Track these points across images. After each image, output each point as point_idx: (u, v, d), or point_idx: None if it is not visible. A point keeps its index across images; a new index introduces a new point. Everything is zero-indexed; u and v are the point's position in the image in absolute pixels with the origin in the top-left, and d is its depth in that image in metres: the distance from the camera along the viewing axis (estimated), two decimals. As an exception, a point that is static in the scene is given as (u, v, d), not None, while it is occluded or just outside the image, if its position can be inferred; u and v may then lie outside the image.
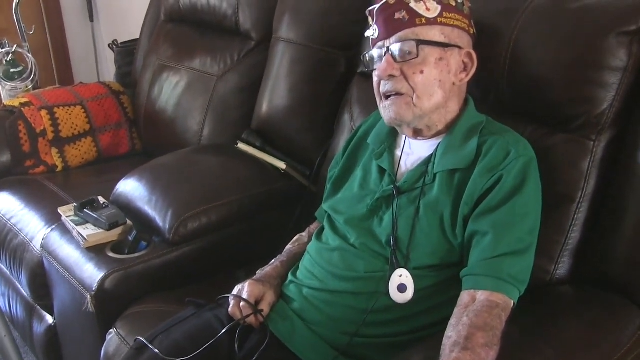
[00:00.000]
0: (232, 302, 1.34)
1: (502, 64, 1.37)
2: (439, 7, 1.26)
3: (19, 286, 2.03)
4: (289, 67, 1.92)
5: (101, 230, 1.68)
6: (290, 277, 1.39)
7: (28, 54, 2.90)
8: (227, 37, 2.24)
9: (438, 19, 1.26)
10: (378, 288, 1.24)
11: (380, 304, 1.24)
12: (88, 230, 1.69)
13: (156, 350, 1.29)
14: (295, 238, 1.54)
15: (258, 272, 1.44)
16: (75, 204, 1.78)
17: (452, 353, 1.04)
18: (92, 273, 1.61)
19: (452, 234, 1.23)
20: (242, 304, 1.32)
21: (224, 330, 1.28)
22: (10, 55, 2.85)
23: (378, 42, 1.30)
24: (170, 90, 2.36)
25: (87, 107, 2.50)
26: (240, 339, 1.30)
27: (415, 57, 1.24)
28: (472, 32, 1.32)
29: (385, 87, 1.29)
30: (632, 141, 1.29)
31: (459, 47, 1.28)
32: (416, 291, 1.23)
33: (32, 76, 2.89)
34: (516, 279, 1.16)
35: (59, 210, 1.81)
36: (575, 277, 1.34)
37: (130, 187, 1.83)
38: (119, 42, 2.99)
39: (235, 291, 1.37)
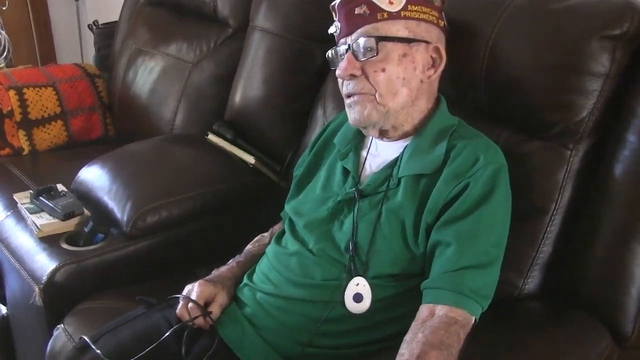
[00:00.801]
0: (181, 302, 1.27)
1: (479, 64, 1.30)
2: (404, 0, 1.19)
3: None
4: (264, 58, 1.85)
5: (56, 220, 1.61)
6: (245, 279, 1.32)
7: (1, 31, 2.81)
8: (204, 23, 2.16)
9: (402, 12, 1.18)
10: (333, 297, 1.17)
11: (335, 313, 1.17)
12: (42, 220, 1.61)
13: (98, 352, 1.21)
14: (256, 238, 1.47)
15: (214, 271, 1.37)
16: (31, 190, 1.69)
17: None
18: (42, 264, 1.53)
19: (414, 243, 1.16)
20: (190, 305, 1.25)
21: (168, 333, 1.21)
22: (-18, 31, 2.77)
23: (340, 38, 1.23)
24: (145, 75, 2.28)
25: (59, 89, 2.40)
26: (188, 342, 1.23)
27: (375, 55, 1.17)
28: (442, 24, 1.25)
29: (347, 87, 1.22)
30: (611, 152, 1.23)
31: (426, 42, 1.21)
32: (374, 301, 1.16)
33: (4, 53, 2.81)
34: (478, 293, 1.09)
35: (14, 197, 1.73)
36: (545, 292, 1.27)
37: (92, 175, 1.75)
38: (99, 23, 2.90)
39: (185, 291, 1.29)
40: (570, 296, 1.25)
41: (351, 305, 1.15)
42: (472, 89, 1.33)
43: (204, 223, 1.67)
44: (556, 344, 1.16)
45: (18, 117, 2.30)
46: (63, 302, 1.50)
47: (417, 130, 1.24)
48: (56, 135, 2.37)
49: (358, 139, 1.32)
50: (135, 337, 1.25)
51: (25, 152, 2.31)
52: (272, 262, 1.29)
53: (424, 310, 1.09)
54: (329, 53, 1.26)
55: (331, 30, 1.26)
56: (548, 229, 1.25)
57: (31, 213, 1.64)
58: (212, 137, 1.90)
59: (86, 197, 1.72)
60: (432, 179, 1.17)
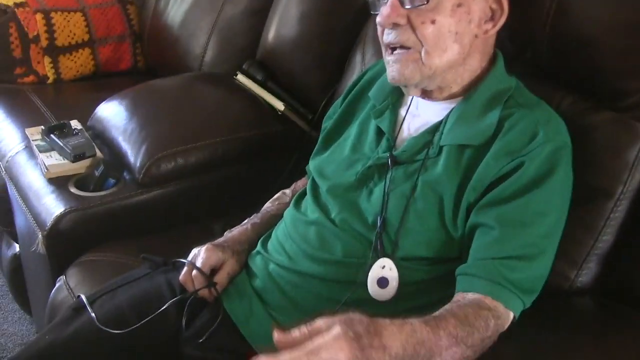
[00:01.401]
0: (185, 268, 1.14)
1: (544, 16, 1.09)
2: None
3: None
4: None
5: (65, 161, 1.49)
6: (259, 246, 1.18)
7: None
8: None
9: None
10: (355, 277, 1.03)
11: (355, 296, 1.02)
12: (51, 159, 1.49)
13: (93, 315, 1.11)
14: (276, 195, 1.33)
15: (226, 233, 1.24)
16: (43, 126, 1.57)
17: (412, 319, 0.84)
18: (48, 209, 1.42)
19: (452, 223, 0.99)
20: (194, 272, 1.12)
21: (168, 304, 1.09)
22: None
23: None
24: (176, 4, 2.11)
25: (89, 14, 2.26)
26: (189, 313, 1.11)
27: (425, 3, 0.97)
28: None
29: (388, 37, 1.03)
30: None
31: None
32: (401, 287, 1.01)
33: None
34: (519, 287, 0.93)
35: (26, 132, 1.62)
36: (599, 287, 1.10)
37: (109, 113, 1.63)
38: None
39: (191, 255, 1.17)
40: (628, 295, 1.08)
41: (374, 290, 1.01)
42: (533, 44, 1.13)
43: (224, 173, 1.54)
44: (609, 350, 0.99)
45: (44, 43, 2.17)
46: (67, 251, 1.39)
47: (467, 92, 1.06)
48: (83, 64, 2.24)
49: (397, 95, 1.14)
50: (133, 303, 1.14)
51: (50, 80, 2.19)
52: (289, 230, 1.14)
53: (457, 298, 0.94)
54: None
55: None
56: (611, 216, 1.07)
57: (41, 151, 1.52)
58: (241, 77, 1.74)
59: (101, 137, 1.60)
60: (479, 151, 1.00)
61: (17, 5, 2.19)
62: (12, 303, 1.96)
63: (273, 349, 1.03)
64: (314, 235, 1.09)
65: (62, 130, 1.54)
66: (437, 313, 0.87)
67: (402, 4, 1.00)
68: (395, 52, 1.03)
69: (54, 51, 2.18)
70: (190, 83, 1.77)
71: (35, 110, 1.94)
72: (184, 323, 1.10)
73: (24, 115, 1.89)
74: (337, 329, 0.75)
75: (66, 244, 1.39)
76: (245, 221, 1.26)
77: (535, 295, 0.96)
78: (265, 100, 1.66)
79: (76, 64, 2.23)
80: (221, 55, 1.93)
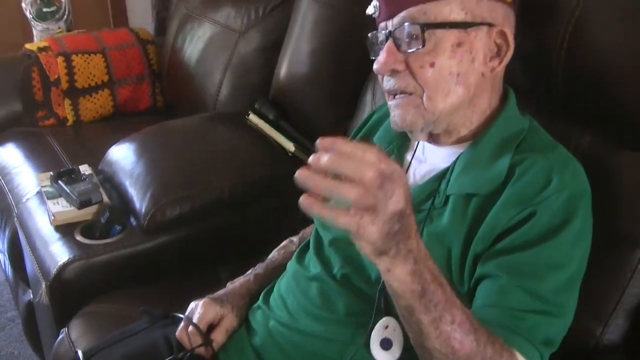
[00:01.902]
0: (182, 323, 1.09)
1: (558, 44, 1.01)
2: None
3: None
4: (311, 29, 1.61)
5: (72, 208, 1.46)
6: (260, 299, 1.11)
7: (62, -5, 2.69)
8: (255, -12, 1.93)
9: None
10: (356, 337, 0.95)
11: (357, 357, 0.94)
12: (58, 207, 1.46)
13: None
14: (283, 243, 1.26)
15: (228, 284, 1.18)
16: (52, 172, 1.55)
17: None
18: (53, 258, 1.39)
19: (459, 279, 0.91)
20: (191, 328, 1.07)
21: None
22: (44, -7, 2.66)
23: (380, 22, 0.98)
24: (192, 43, 2.10)
25: (109, 56, 2.26)
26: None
27: (422, 46, 0.91)
28: (510, 0, 0.96)
29: (388, 84, 0.97)
30: None
31: (489, 25, 0.93)
32: (405, 349, 0.92)
33: (64, 17, 2.68)
34: (534, 336, 0.84)
35: (37, 178, 1.60)
36: (629, 345, 0.99)
37: (118, 156, 1.60)
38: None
39: (189, 309, 1.11)
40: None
41: (377, 353, 0.93)
42: (547, 76, 1.05)
43: (231, 216, 1.48)
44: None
45: (65, 86, 2.18)
46: (71, 302, 1.35)
47: (476, 136, 0.98)
48: (102, 105, 2.24)
49: (402, 138, 1.07)
50: (129, 360, 1.08)
51: (70, 122, 2.19)
52: (290, 284, 1.07)
53: None
54: (369, 37, 1.01)
55: (369, 11, 1.00)
56: (639, 266, 0.97)
57: (49, 198, 1.50)
58: (252, 117, 1.69)
59: (110, 181, 1.57)
60: (488, 200, 0.91)
61: (40, 50, 2.21)
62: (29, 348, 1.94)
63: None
64: (316, 291, 1.02)
65: (71, 176, 1.52)
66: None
67: (398, 47, 0.93)
68: (397, 97, 0.97)
69: (74, 93, 2.19)
70: (200, 124, 1.73)
71: (52, 154, 1.93)
72: None
73: (41, 160, 1.88)
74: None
75: (70, 294, 1.35)
76: (249, 271, 1.20)
77: (553, 348, 0.87)
78: (276, 141, 1.61)
79: (95, 105, 2.22)
80: (235, 93, 1.90)
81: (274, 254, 1.24)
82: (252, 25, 1.88)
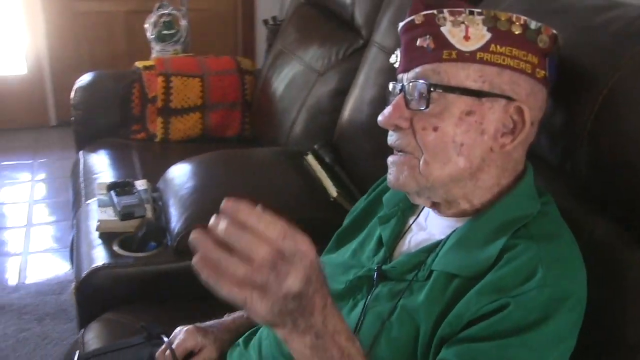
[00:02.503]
0: (163, 345, 1.10)
1: (582, 124, 0.93)
2: (487, 36, 0.86)
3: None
4: (374, 77, 1.60)
5: (115, 218, 1.53)
6: (241, 339, 1.10)
7: (182, 18, 2.88)
8: (342, 30, 1.96)
9: (478, 53, 0.86)
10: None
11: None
12: (104, 215, 1.55)
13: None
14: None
15: (226, 315, 1.18)
16: (108, 182, 1.65)
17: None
18: (87, 261, 1.47)
19: (423, 359, 0.85)
20: (167, 353, 1.08)
21: None
22: (169, 17, 2.86)
23: (398, 73, 0.95)
24: (280, 79, 2.16)
25: (207, 81, 2.37)
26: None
27: (425, 107, 0.87)
28: (541, 75, 0.89)
29: (390, 138, 0.93)
30: None
31: (507, 98, 0.87)
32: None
33: (180, 39, 2.87)
34: None
35: (96, 185, 1.70)
36: None
37: (174, 175, 1.67)
38: (277, 19, 2.84)
39: (173, 333, 1.12)
40: None
41: None
42: (572, 157, 0.97)
43: (261, 253, 1.48)
44: None
45: (160, 104, 2.31)
46: (94, 305, 1.42)
47: (478, 213, 0.92)
48: (192, 127, 2.35)
49: (409, 201, 1.02)
50: (113, 372, 1.11)
51: (158, 139, 2.32)
52: (269, 329, 1.06)
53: None
54: (388, 86, 0.99)
55: (391, 59, 0.99)
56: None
57: (100, 206, 1.59)
58: (310, 157, 1.70)
59: (162, 198, 1.63)
60: (469, 283, 0.84)
61: (145, 68, 2.37)
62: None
63: None
64: None
65: (124, 188, 1.60)
66: None
67: (407, 103, 0.90)
68: (396, 154, 0.93)
69: (167, 112, 2.32)
70: (259, 157, 1.77)
71: (130, 165, 2.05)
72: None
73: (119, 169, 2.01)
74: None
75: (95, 298, 1.42)
76: (248, 308, 1.19)
77: None
78: (322, 185, 1.60)
79: (185, 126, 2.34)
80: (306, 131, 1.92)
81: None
82: (331, 67, 1.90)
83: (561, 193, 0.97)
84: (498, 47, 0.86)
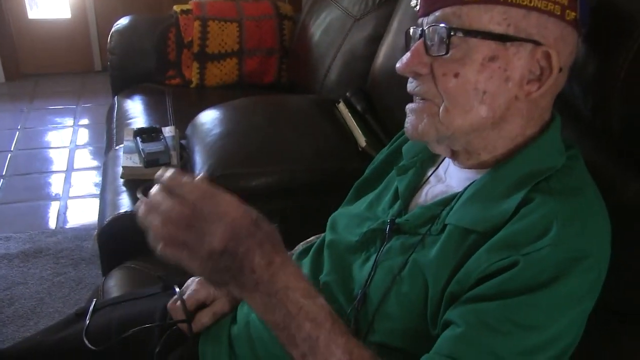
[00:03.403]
0: (175, 296, 1.08)
1: (617, 73, 0.84)
2: None
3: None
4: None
5: (140, 165, 1.51)
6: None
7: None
8: (382, -29, 1.85)
9: None
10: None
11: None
12: (129, 162, 1.52)
13: (85, 324, 1.09)
14: (310, 238, 1.20)
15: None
16: (135, 127, 1.62)
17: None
18: (110, 208, 1.45)
19: (432, 319, 0.80)
20: (178, 303, 1.05)
21: (138, 329, 1.03)
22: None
23: (419, 17, 0.87)
24: (317, 24, 2.07)
25: (244, 25, 2.31)
26: (167, 344, 1.04)
27: (445, 53, 0.79)
28: (572, 17, 0.80)
29: (409, 85, 0.87)
30: None
31: (534, 42, 0.79)
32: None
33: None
34: None
35: (125, 131, 1.67)
36: None
37: (201, 121, 1.62)
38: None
39: (186, 284, 1.10)
40: None
41: None
42: (603, 110, 0.88)
43: (286, 203, 1.44)
44: None
45: (196, 49, 2.27)
46: (116, 253, 1.40)
47: (498, 164, 0.85)
48: (227, 73, 2.30)
49: (429, 152, 0.96)
50: (123, 322, 1.09)
51: (193, 84, 2.28)
52: (284, 281, 1.02)
53: None
54: (408, 31, 0.91)
55: (412, 2, 0.91)
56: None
57: (125, 152, 1.56)
58: (341, 106, 1.63)
59: (189, 145, 1.60)
60: (483, 239, 0.78)
61: (182, 12, 2.32)
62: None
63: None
64: None
65: (151, 134, 1.57)
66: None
67: (427, 49, 0.83)
68: (415, 101, 0.87)
69: (203, 57, 2.27)
70: (291, 105, 1.70)
71: (163, 111, 2.02)
72: (155, 353, 1.03)
73: (151, 115, 1.98)
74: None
75: (115, 246, 1.40)
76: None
77: None
78: (352, 134, 1.54)
79: (221, 72, 2.29)
80: (340, 79, 1.85)
81: (297, 247, 1.19)
82: (367, 12, 1.81)
83: (592, 147, 0.90)
84: None
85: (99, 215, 1.49)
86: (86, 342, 1.05)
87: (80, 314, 1.14)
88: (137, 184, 1.51)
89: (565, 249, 0.73)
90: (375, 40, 1.74)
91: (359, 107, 1.60)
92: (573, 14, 0.80)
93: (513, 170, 0.82)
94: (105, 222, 1.40)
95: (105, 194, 1.52)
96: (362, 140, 1.49)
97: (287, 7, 2.42)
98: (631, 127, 0.83)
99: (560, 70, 0.81)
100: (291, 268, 0.71)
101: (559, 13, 0.79)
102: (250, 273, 0.68)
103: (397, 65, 0.86)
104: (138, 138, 1.56)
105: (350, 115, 1.58)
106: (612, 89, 0.84)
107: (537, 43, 0.79)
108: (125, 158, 1.53)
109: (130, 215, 1.40)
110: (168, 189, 0.68)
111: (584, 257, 0.73)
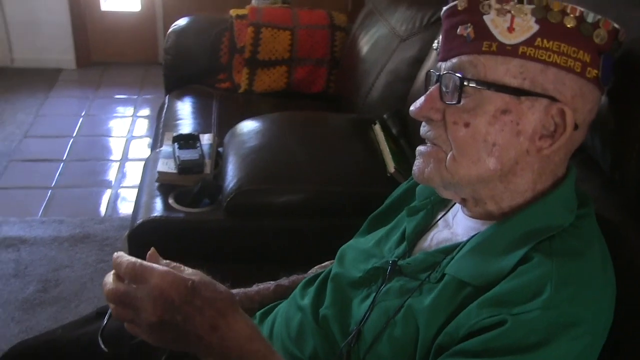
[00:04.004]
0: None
1: (637, 130, 0.83)
2: (534, 28, 0.77)
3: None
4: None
5: (174, 172, 1.56)
6: (258, 313, 1.10)
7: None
8: (433, -7, 1.85)
9: (521, 47, 0.77)
10: (313, 385, 0.90)
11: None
12: (164, 167, 1.58)
13: (103, 324, 1.14)
14: (325, 263, 1.22)
15: (255, 285, 1.18)
16: (174, 134, 1.67)
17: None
18: (142, 211, 1.51)
19: None
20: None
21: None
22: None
23: (438, 62, 0.87)
24: (365, 39, 2.08)
25: (297, 34, 2.34)
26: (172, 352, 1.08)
27: (456, 102, 0.80)
28: (593, 75, 0.79)
29: (422, 129, 0.87)
30: None
31: (551, 99, 0.78)
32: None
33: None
34: None
35: (165, 135, 1.73)
36: None
37: (240, 132, 1.66)
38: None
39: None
40: None
41: None
42: (622, 165, 0.86)
43: (311, 223, 1.46)
44: None
45: (248, 55, 2.31)
46: (143, 256, 1.45)
47: (505, 217, 0.84)
48: (276, 80, 2.33)
49: (440, 196, 0.96)
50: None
51: (242, 90, 2.32)
52: (286, 306, 1.04)
53: None
54: (428, 72, 0.92)
55: (434, 45, 0.92)
56: None
57: (163, 157, 1.62)
58: (376, 127, 1.64)
59: (225, 154, 1.64)
60: (478, 293, 0.79)
61: (238, 16, 2.37)
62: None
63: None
64: (296, 323, 0.98)
65: (188, 141, 1.62)
66: None
67: (441, 96, 0.83)
68: (425, 145, 0.87)
69: (254, 63, 2.31)
70: (328, 123, 1.73)
71: (208, 116, 2.08)
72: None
73: (196, 119, 2.04)
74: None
75: (144, 248, 1.45)
76: (278, 280, 1.19)
77: None
78: (383, 158, 1.55)
79: (270, 79, 2.33)
80: (381, 98, 1.85)
81: (314, 269, 1.21)
82: (413, 34, 1.80)
83: (610, 204, 0.87)
84: (545, 41, 0.77)
85: (132, 216, 1.55)
86: (100, 343, 1.10)
87: (101, 313, 1.20)
88: (171, 189, 1.56)
89: (556, 314, 0.72)
90: (419, 62, 1.74)
91: (394, 131, 1.61)
92: (595, 71, 0.78)
93: (518, 226, 0.81)
94: (137, 224, 1.46)
95: (141, 195, 1.58)
96: (391, 166, 1.49)
97: (342, 17, 2.44)
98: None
99: (577, 127, 0.80)
100: (243, 330, 0.74)
101: (579, 70, 0.78)
102: (196, 339, 0.72)
103: (411, 108, 0.87)
104: (176, 144, 1.61)
105: (384, 138, 1.58)
106: (631, 148, 0.82)
107: (553, 99, 0.78)
108: (162, 163, 1.58)
109: (161, 220, 1.46)
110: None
111: (576, 323, 0.72)
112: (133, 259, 0.75)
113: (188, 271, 0.78)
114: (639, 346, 0.79)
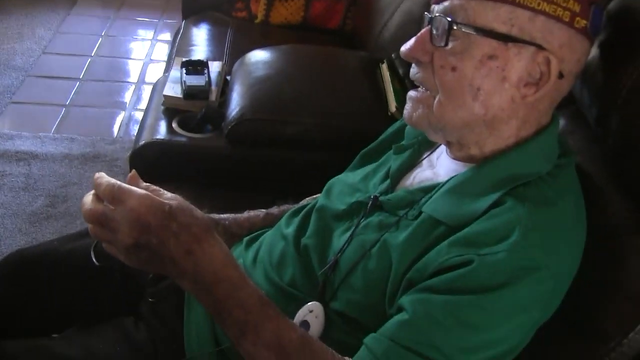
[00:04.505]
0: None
1: (622, 85, 0.82)
2: None
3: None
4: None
5: (180, 96, 1.57)
6: (245, 239, 1.13)
7: None
8: None
9: None
10: (288, 310, 0.93)
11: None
12: (170, 91, 1.59)
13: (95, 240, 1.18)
14: (318, 195, 1.24)
15: (245, 212, 1.21)
16: (183, 58, 1.67)
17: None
18: (147, 132, 1.53)
19: (390, 299, 0.84)
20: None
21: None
22: None
23: (432, 4, 0.87)
24: (385, -25, 2.03)
25: (316, -33, 2.30)
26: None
27: (444, 44, 0.80)
28: (582, 25, 0.79)
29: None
30: None
31: (537, 46, 0.79)
32: (321, 338, 0.89)
33: None
34: None
35: (174, 60, 1.74)
36: None
37: (247, 61, 1.66)
38: None
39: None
40: None
41: None
42: (604, 121, 0.86)
43: (309, 156, 1.48)
44: None
45: (266, -15, 2.28)
46: (144, 177, 1.48)
47: (485, 160, 0.86)
48: (293, 12, 2.31)
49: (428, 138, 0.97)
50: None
51: (258, 20, 2.31)
52: (271, 234, 1.07)
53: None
54: (423, 15, 0.92)
55: None
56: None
57: (170, 81, 1.63)
58: (383, 67, 1.63)
59: (232, 83, 1.65)
60: (451, 233, 0.81)
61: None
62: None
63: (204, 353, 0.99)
64: (279, 250, 1.01)
65: (197, 67, 1.63)
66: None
67: (432, 39, 0.83)
68: (418, 89, 0.88)
69: (272, -6, 2.29)
70: (337, 60, 1.72)
71: (221, 44, 2.07)
72: (148, 278, 1.11)
73: (209, 46, 2.04)
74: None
75: (145, 170, 1.47)
76: (269, 209, 1.21)
77: None
78: (386, 97, 1.55)
79: (287, 11, 2.30)
80: (393, 38, 1.83)
81: (303, 201, 1.23)
82: (433, -29, 1.76)
83: (592, 156, 0.88)
84: None
85: (135, 137, 1.57)
86: (92, 256, 1.14)
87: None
88: (176, 112, 1.58)
89: (519, 257, 0.74)
90: (433, 3, 1.71)
91: (400, 71, 1.60)
92: (584, 22, 0.79)
93: (495, 170, 0.84)
94: (139, 146, 1.49)
95: (147, 118, 1.60)
96: (392, 106, 1.50)
97: (365, -49, 2.38)
98: (627, 142, 0.82)
99: (563, 76, 0.81)
100: (218, 256, 0.75)
101: (567, 20, 0.79)
102: (171, 262, 0.73)
103: (402, 49, 0.88)
104: (183, 69, 1.62)
105: (389, 78, 1.58)
106: (613, 104, 0.82)
107: (539, 47, 0.79)
108: (169, 87, 1.60)
109: (163, 143, 1.48)
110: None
111: (539, 268, 0.75)
112: (112, 180, 0.76)
113: (167, 195, 0.79)
114: (598, 294, 0.81)
